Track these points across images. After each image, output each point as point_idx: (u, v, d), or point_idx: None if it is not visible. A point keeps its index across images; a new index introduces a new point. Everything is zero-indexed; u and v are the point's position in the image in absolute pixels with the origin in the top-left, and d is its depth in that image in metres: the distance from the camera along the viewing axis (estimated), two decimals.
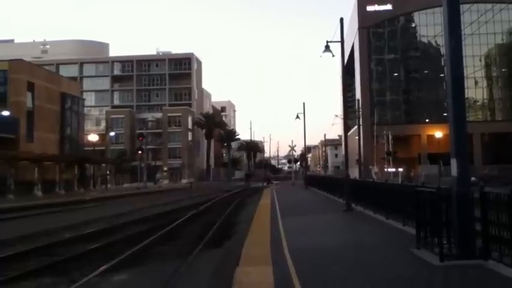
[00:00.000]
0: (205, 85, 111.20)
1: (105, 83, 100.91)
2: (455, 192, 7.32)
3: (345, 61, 19.90)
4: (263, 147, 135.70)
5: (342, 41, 18.45)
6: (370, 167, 56.96)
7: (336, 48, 18.54)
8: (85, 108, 67.20)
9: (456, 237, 7.26)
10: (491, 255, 6.85)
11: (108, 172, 57.77)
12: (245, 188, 49.93)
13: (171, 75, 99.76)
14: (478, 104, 68.90)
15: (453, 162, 7.43)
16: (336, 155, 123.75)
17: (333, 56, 18.27)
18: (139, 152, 60.33)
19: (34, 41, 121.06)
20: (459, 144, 7.49)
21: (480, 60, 65.93)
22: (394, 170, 51.19)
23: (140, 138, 62.02)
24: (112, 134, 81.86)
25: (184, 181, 78.61)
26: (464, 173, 7.37)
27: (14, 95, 44.05)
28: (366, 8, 69.08)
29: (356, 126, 50.29)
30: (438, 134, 55.38)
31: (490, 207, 6.82)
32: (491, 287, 5.95)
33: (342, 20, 18.58)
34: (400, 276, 6.58)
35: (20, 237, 13.75)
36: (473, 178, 16.65)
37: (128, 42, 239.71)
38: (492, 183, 29.70)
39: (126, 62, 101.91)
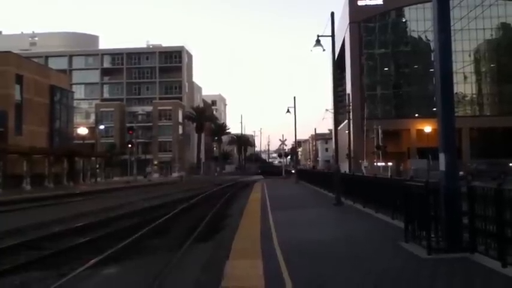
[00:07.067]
0: (196, 79, 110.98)
1: (94, 76, 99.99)
2: (443, 186, 7.41)
3: (336, 56, 19.95)
4: (254, 141, 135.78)
5: (333, 35, 18.48)
6: (360, 161, 57.24)
7: (327, 42, 18.63)
8: (74, 101, 66.59)
9: (444, 231, 7.36)
10: (477, 249, 6.95)
11: (97, 166, 57.45)
12: (236, 181, 50.03)
13: (162, 69, 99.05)
14: (466, 99, 69.39)
15: (441, 157, 7.51)
16: (326, 149, 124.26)
17: (324, 50, 18.31)
18: (129, 145, 59.92)
19: (22, 32, 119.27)
20: (447, 139, 7.57)
21: (469, 56, 66.36)
22: (383, 164, 51.49)
23: (130, 132, 61.56)
24: (102, 127, 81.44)
25: (174, 175, 78.35)
26: (452, 168, 7.46)
27: (2, 88, 43.46)
28: (357, 2, 69.17)
29: (346, 121, 50.42)
30: (427, 128, 55.77)
31: (477, 202, 6.91)
32: (476, 279, 6.05)
33: (332, 14, 18.63)
34: (388, 268, 6.66)
35: (8, 231, 13.66)
36: (461, 172, 16.91)
37: (118, 34, 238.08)
38: (480, 178, 30.07)
39: (116, 55, 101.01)
